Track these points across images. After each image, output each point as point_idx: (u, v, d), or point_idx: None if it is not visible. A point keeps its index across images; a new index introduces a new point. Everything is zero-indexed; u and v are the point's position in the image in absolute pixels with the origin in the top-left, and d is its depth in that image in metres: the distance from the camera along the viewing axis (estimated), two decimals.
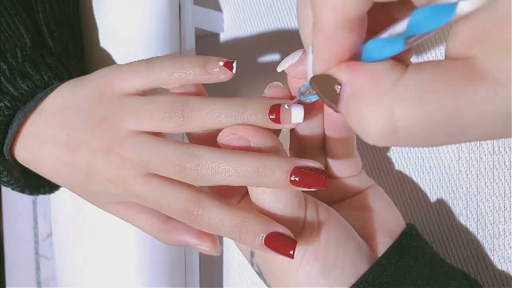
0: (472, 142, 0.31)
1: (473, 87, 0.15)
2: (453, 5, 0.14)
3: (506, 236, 0.30)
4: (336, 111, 0.18)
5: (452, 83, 0.15)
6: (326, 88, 0.18)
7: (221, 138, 0.25)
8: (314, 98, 0.24)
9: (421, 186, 0.34)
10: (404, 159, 0.34)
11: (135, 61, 0.28)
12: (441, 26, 0.15)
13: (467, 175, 0.32)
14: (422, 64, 0.16)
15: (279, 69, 0.25)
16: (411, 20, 0.15)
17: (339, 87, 0.17)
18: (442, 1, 0.14)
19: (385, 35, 0.17)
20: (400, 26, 0.16)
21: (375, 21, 0.18)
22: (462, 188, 0.32)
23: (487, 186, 0.31)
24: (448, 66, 0.15)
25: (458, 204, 0.32)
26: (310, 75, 0.19)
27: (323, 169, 0.23)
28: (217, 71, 0.26)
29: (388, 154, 0.35)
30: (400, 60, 0.17)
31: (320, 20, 0.17)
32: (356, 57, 0.18)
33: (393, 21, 0.16)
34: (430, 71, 0.16)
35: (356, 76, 0.17)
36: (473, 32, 0.15)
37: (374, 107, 0.16)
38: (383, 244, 0.27)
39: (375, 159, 0.36)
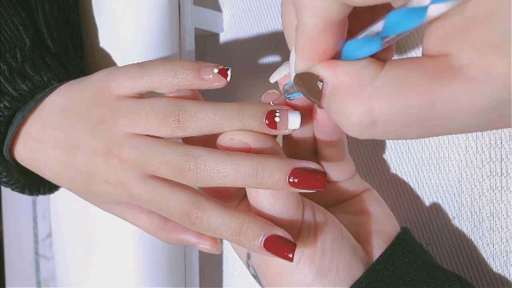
0: (472, 149, 0.31)
1: (447, 82, 0.15)
2: (424, 8, 0.15)
3: (508, 241, 0.30)
4: (320, 106, 0.19)
5: (426, 78, 0.16)
6: (309, 85, 0.19)
7: (221, 142, 0.25)
8: (298, 95, 0.24)
9: (419, 190, 0.34)
10: (400, 162, 0.34)
11: (130, 64, 0.28)
12: (414, 27, 0.16)
13: (468, 181, 0.32)
14: (399, 61, 0.17)
15: (271, 80, 0.25)
16: (386, 22, 0.16)
17: (321, 84, 0.18)
18: (414, 4, 0.15)
19: (363, 35, 0.18)
20: (377, 27, 0.17)
21: (356, 21, 0.19)
22: (463, 192, 0.32)
23: (488, 193, 0.31)
24: (424, 62, 0.16)
25: (454, 207, 0.32)
26: (293, 73, 0.20)
27: (322, 170, 0.23)
28: (211, 78, 0.26)
29: (383, 157, 0.35)
30: (381, 59, 0.18)
31: (303, 23, 0.17)
32: (337, 56, 0.19)
33: (373, 21, 0.17)
34: (406, 67, 0.16)
35: (336, 73, 0.18)
36: (447, 30, 0.15)
37: (353, 101, 0.17)
38: (378, 248, 0.27)
39: (370, 163, 0.36)
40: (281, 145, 0.29)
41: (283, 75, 0.24)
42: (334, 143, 0.28)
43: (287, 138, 0.28)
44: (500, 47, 0.14)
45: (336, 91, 0.18)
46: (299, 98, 0.25)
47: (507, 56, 0.14)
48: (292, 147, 0.28)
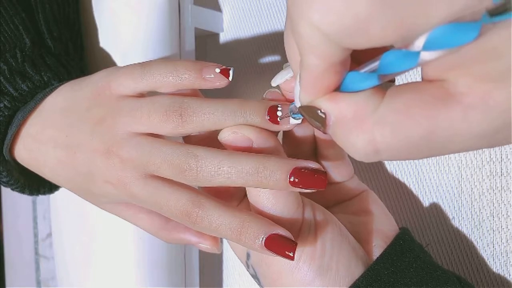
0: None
1: (446, 110, 0.16)
2: (417, 53, 0.15)
3: (508, 242, 0.30)
4: (325, 133, 0.20)
5: (425, 107, 0.16)
6: (313, 116, 0.19)
7: (223, 137, 0.25)
8: (301, 116, 0.25)
9: (419, 190, 0.34)
10: (400, 162, 0.34)
11: (132, 64, 0.28)
12: (408, 69, 0.16)
13: (468, 181, 0.32)
14: (399, 88, 0.17)
15: (273, 84, 0.25)
16: (382, 61, 0.17)
17: (324, 115, 0.19)
18: (414, 47, 0.15)
19: (364, 69, 0.18)
20: (375, 64, 0.17)
21: (361, 52, 0.20)
22: (464, 193, 0.32)
23: (488, 193, 0.31)
24: (423, 90, 0.17)
25: (454, 207, 0.32)
26: (298, 102, 0.21)
27: (323, 170, 0.23)
28: (213, 78, 0.26)
29: None
30: (382, 86, 0.18)
31: (306, 63, 0.18)
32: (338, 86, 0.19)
33: (375, 54, 0.18)
34: (406, 95, 0.17)
35: (338, 107, 0.18)
36: (445, 62, 0.16)
37: (357, 132, 0.18)
38: (377, 247, 0.27)
39: (370, 163, 0.35)
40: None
41: (284, 80, 0.25)
42: (334, 143, 0.28)
43: (287, 137, 0.28)
44: (500, 79, 0.14)
45: (339, 123, 0.18)
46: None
47: (507, 86, 0.14)
48: (292, 147, 0.28)
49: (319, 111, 0.19)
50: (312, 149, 0.29)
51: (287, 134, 0.28)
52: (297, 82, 0.20)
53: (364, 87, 0.18)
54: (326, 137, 0.27)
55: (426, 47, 0.15)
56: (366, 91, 0.18)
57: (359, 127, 0.18)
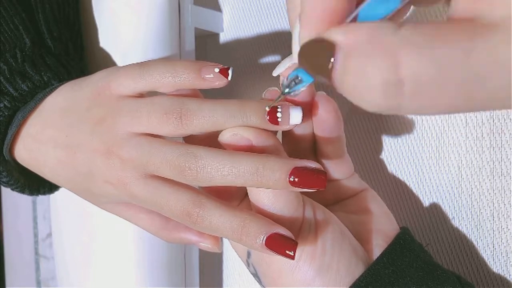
0: (472, 149, 0.31)
1: (482, 31, 0.13)
2: None
3: (508, 242, 0.30)
4: (330, 82, 0.16)
5: (458, 29, 0.14)
6: (316, 59, 0.16)
7: (223, 138, 0.25)
8: (298, 88, 0.22)
9: (419, 190, 0.34)
10: (400, 162, 0.34)
11: (131, 64, 0.28)
12: None
13: (468, 181, 0.32)
14: (420, 23, 0.14)
15: (274, 74, 0.25)
16: None
17: (332, 52, 0.15)
18: None
19: None
20: None
21: None
22: (464, 193, 0.32)
23: (489, 193, 0.31)
24: (451, 23, 0.14)
25: (454, 207, 0.32)
26: (297, 48, 0.17)
27: (322, 169, 0.23)
28: (212, 78, 0.26)
29: (383, 157, 0.35)
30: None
31: None
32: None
33: None
34: (432, 24, 0.14)
35: (351, 33, 0.15)
36: None
37: (375, 57, 0.14)
38: (377, 247, 0.27)
39: (370, 163, 0.36)
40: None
41: (286, 67, 0.24)
42: (333, 140, 0.28)
43: (286, 136, 0.28)
44: None
45: (353, 52, 0.15)
46: (299, 93, 0.24)
47: None
48: (292, 145, 0.28)
49: (324, 50, 0.15)
50: (311, 146, 0.29)
51: (287, 133, 0.28)
52: (297, 26, 0.17)
53: (384, 12, 0.15)
54: (325, 134, 0.27)
55: None
56: (382, 19, 0.15)
57: (379, 49, 0.14)
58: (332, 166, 0.29)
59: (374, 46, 0.14)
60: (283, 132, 0.28)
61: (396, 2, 0.15)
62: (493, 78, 0.13)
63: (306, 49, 0.16)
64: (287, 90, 0.22)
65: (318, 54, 0.16)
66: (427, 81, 0.14)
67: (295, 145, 0.28)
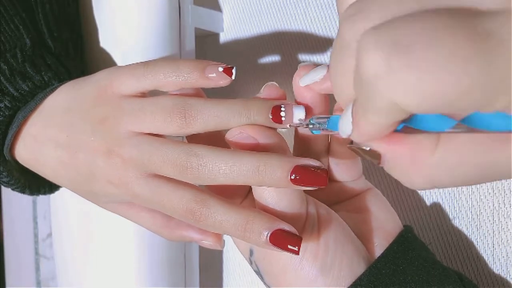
0: None
1: (501, 148, 0.16)
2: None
3: (509, 243, 0.30)
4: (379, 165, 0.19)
5: (480, 149, 0.16)
6: (365, 153, 0.19)
7: (230, 137, 0.25)
8: (318, 133, 0.25)
9: (418, 190, 0.34)
10: None
11: (134, 63, 0.28)
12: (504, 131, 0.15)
13: None
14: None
15: (302, 84, 0.25)
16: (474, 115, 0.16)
17: (379, 154, 0.19)
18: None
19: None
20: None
21: None
22: (464, 193, 0.32)
23: (489, 193, 0.31)
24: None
25: (455, 208, 0.32)
26: (343, 134, 0.19)
27: (323, 167, 0.24)
28: (216, 77, 0.26)
29: None
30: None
31: (371, 120, 0.17)
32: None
33: None
34: (462, 137, 0.17)
35: (394, 149, 0.18)
36: None
37: (415, 175, 0.18)
38: (379, 246, 0.27)
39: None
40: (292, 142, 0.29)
41: (313, 81, 0.24)
42: (347, 141, 0.28)
43: (299, 136, 0.28)
44: None
45: (396, 164, 0.18)
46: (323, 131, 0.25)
47: None
48: (305, 145, 0.28)
49: (373, 155, 0.19)
50: (325, 146, 0.29)
51: (299, 132, 0.28)
52: (347, 116, 0.18)
53: (436, 129, 0.17)
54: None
55: None
56: (422, 135, 0.17)
57: (417, 170, 0.18)
58: (343, 168, 0.29)
59: (414, 167, 0.18)
60: (295, 132, 0.28)
61: (450, 124, 0.16)
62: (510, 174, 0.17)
63: (356, 148, 0.20)
64: (310, 126, 0.24)
65: (367, 153, 0.19)
66: (455, 185, 0.18)
67: (308, 146, 0.28)
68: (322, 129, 0.24)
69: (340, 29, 0.17)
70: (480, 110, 0.15)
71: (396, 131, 0.17)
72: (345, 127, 0.19)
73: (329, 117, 0.23)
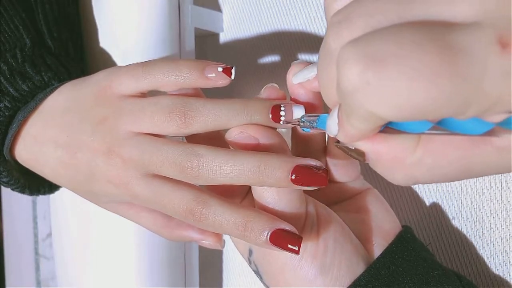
0: None
1: (479, 150, 0.17)
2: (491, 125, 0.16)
3: (508, 240, 0.30)
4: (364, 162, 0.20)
5: (460, 147, 0.17)
6: (351, 152, 0.20)
7: (230, 137, 0.25)
8: (308, 131, 0.25)
9: (419, 190, 0.34)
10: None
11: (133, 64, 0.28)
12: (479, 134, 0.16)
13: (469, 181, 0.31)
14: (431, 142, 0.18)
15: (294, 81, 0.25)
16: (447, 119, 0.17)
17: (363, 153, 0.20)
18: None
19: None
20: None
21: None
22: (463, 191, 0.32)
23: (488, 191, 0.31)
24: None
25: (454, 207, 0.32)
26: (330, 132, 0.20)
27: (324, 167, 0.24)
28: (215, 77, 0.26)
29: None
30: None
31: (354, 126, 0.18)
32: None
33: None
34: (441, 137, 0.18)
35: (377, 148, 0.19)
36: None
37: (397, 171, 0.19)
38: (378, 246, 0.27)
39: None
40: (289, 143, 0.29)
41: (306, 79, 0.25)
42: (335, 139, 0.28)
43: (296, 136, 0.28)
44: None
45: (379, 162, 0.19)
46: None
47: None
48: (302, 145, 0.28)
49: (358, 153, 0.20)
50: (322, 146, 0.29)
51: (296, 132, 0.28)
52: (335, 113, 0.20)
53: (415, 131, 0.18)
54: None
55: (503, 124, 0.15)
56: (404, 135, 0.18)
57: (399, 168, 0.19)
58: (340, 168, 0.29)
59: (395, 165, 0.19)
60: (292, 131, 0.29)
61: (427, 127, 0.17)
62: (489, 172, 0.18)
63: (342, 146, 0.21)
64: (301, 125, 0.25)
65: (352, 152, 0.20)
66: (437, 181, 0.19)
67: (305, 146, 0.28)
68: (312, 127, 0.24)
69: (326, 36, 0.18)
70: (454, 117, 0.16)
71: (379, 131, 0.19)
72: (332, 128, 0.20)
73: (319, 116, 0.24)
